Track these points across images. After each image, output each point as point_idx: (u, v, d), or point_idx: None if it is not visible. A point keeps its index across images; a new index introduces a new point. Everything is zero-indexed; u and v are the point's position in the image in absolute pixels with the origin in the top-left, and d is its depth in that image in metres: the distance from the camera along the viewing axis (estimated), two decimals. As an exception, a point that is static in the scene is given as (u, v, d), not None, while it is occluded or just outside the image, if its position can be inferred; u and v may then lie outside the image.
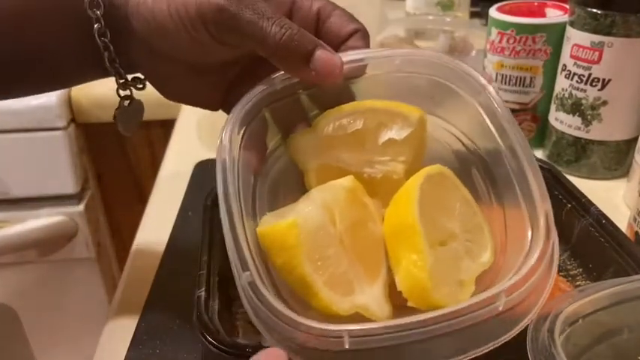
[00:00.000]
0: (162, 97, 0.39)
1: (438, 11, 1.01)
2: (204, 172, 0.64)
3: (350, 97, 0.37)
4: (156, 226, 0.57)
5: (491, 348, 0.27)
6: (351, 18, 0.37)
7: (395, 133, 0.35)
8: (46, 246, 0.97)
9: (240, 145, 0.34)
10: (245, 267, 0.28)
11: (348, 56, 0.35)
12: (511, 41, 0.64)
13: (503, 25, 0.65)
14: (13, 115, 0.88)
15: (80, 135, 0.96)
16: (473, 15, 1.06)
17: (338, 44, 0.36)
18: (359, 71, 0.36)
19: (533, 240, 0.30)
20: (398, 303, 0.31)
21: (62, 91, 0.88)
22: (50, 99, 0.87)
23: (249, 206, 0.33)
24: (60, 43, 0.36)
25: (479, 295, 0.27)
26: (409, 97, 0.37)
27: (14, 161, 0.92)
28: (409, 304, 0.30)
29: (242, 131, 0.34)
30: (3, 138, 0.90)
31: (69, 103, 0.92)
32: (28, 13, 0.35)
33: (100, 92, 0.91)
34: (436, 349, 0.26)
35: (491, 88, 0.35)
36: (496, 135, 0.34)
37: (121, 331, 0.45)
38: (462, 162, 0.37)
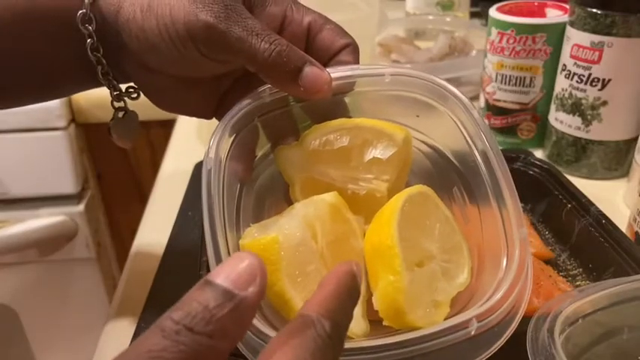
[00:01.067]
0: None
1: (437, 11, 1.01)
2: (204, 172, 0.64)
3: (343, 111, 0.37)
4: (156, 226, 0.57)
5: None
6: (342, 32, 0.37)
7: (380, 152, 0.35)
8: (46, 246, 0.97)
9: (228, 153, 0.34)
10: None
11: (337, 72, 0.35)
12: (511, 41, 0.64)
13: (503, 25, 0.65)
14: (13, 115, 0.88)
15: (80, 135, 0.96)
16: (473, 15, 1.06)
17: (328, 58, 0.37)
18: (348, 87, 0.36)
19: (508, 264, 0.31)
20: (375, 319, 0.32)
21: (62, 91, 0.88)
22: (50, 99, 0.87)
23: (234, 216, 0.34)
24: (54, 57, 0.36)
25: (452, 319, 0.29)
26: (395, 113, 0.37)
27: (14, 161, 0.92)
28: (384, 323, 0.31)
29: (231, 140, 0.34)
30: (3, 138, 0.90)
31: (69, 103, 0.92)
32: (23, 27, 0.35)
33: (100, 93, 0.90)
34: None
35: (474, 112, 0.35)
36: (475, 151, 0.35)
37: (121, 331, 0.45)
38: (443, 179, 0.38)
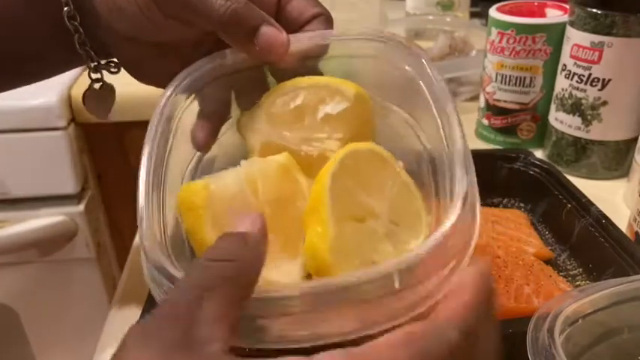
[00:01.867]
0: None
1: (438, 11, 1.01)
2: (204, 172, 0.63)
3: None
4: (156, 226, 0.57)
5: (391, 325, 0.25)
6: (315, 2, 0.37)
7: (330, 108, 0.34)
8: (46, 246, 0.97)
9: (182, 112, 0.34)
10: (147, 237, 0.28)
11: (300, 35, 0.35)
12: (511, 41, 0.64)
13: (503, 25, 0.65)
14: (13, 115, 0.88)
15: (80, 135, 0.96)
16: (473, 15, 1.06)
17: (298, 28, 0.36)
18: (318, 51, 0.36)
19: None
20: None
21: (62, 91, 0.88)
22: (50, 99, 0.87)
23: (181, 176, 0.34)
24: (32, 29, 0.37)
25: (375, 267, 0.25)
26: (384, 90, 0.36)
27: (14, 161, 0.92)
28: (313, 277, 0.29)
29: (190, 99, 0.34)
30: (3, 138, 0.90)
31: (69, 103, 0.92)
32: None
33: (100, 92, 0.91)
34: (333, 320, 0.25)
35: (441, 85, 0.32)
36: (441, 129, 0.32)
37: (121, 331, 0.44)
38: (418, 161, 0.36)
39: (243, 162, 0.33)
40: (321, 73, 0.37)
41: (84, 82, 0.42)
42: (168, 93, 0.34)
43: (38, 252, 0.98)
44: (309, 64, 0.36)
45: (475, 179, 0.28)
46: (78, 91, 0.93)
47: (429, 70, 0.33)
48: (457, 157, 0.29)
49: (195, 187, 0.30)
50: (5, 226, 0.95)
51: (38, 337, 1.00)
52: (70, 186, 0.94)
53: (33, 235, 0.95)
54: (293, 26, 0.36)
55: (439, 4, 1.00)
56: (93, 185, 1.02)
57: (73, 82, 0.90)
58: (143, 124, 0.39)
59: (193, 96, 0.35)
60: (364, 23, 0.67)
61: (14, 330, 0.95)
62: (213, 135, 0.36)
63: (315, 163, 0.34)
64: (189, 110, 0.35)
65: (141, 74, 0.39)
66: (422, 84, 0.33)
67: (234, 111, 0.38)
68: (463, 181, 0.28)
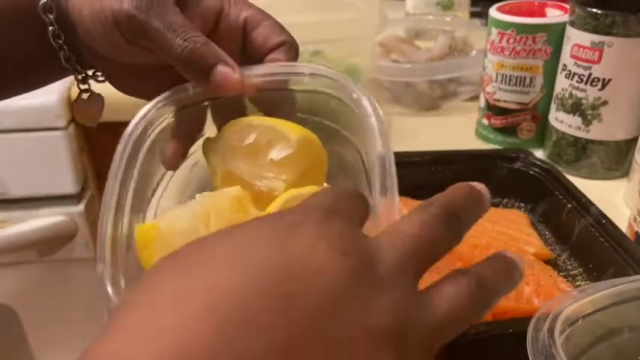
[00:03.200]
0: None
1: (437, 11, 1.01)
2: (204, 172, 0.64)
3: (288, 107, 0.38)
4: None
5: None
6: (280, 30, 0.37)
7: (275, 153, 0.36)
8: (46, 246, 0.97)
9: (146, 137, 0.36)
10: (101, 259, 0.31)
11: (253, 70, 0.36)
12: (511, 41, 0.64)
13: (503, 25, 0.65)
14: (13, 115, 0.88)
15: (80, 135, 0.96)
16: (473, 15, 1.06)
17: (263, 55, 0.37)
18: (277, 86, 0.37)
19: None
20: None
21: (62, 91, 0.88)
22: (50, 99, 0.87)
23: (146, 199, 0.36)
24: (19, 47, 0.38)
25: None
26: (325, 114, 0.38)
27: (14, 161, 0.92)
28: None
29: (160, 121, 0.36)
30: (3, 138, 0.90)
31: (69, 103, 0.92)
32: None
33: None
34: None
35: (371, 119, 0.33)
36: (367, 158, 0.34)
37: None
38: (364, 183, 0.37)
39: (197, 196, 0.34)
40: (292, 100, 0.38)
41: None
42: (136, 120, 0.36)
43: (38, 252, 0.98)
44: (282, 93, 0.37)
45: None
46: (77, 92, 0.92)
47: (369, 110, 0.34)
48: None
49: (146, 227, 0.33)
50: (5, 226, 0.95)
51: (38, 337, 1.00)
52: (69, 186, 0.94)
53: (33, 235, 0.95)
54: (258, 53, 0.37)
55: (439, 4, 1.00)
56: (93, 185, 1.02)
57: (72, 82, 0.90)
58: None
59: (165, 117, 0.37)
60: (364, 23, 0.67)
61: (14, 330, 0.95)
62: (182, 155, 0.38)
63: (266, 198, 0.36)
64: (160, 131, 0.37)
65: (122, 88, 0.40)
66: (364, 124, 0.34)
67: (210, 127, 0.39)
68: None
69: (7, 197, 0.94)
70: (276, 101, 0.37)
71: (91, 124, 0.44)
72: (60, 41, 0.37)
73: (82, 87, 0.42)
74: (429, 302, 0.23)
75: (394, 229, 0.24)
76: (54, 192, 0.95)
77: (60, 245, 0.99)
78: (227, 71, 0.34)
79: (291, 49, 0.37)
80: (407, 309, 0.21)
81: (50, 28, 0.37)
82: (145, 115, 0.36)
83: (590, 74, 0.59)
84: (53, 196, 0.96)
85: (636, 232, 0.51)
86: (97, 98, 0.43)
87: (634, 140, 0.61)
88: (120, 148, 0.35)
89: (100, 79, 0.41)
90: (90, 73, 0.41)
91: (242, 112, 0.38)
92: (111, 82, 0.40)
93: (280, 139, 0.36)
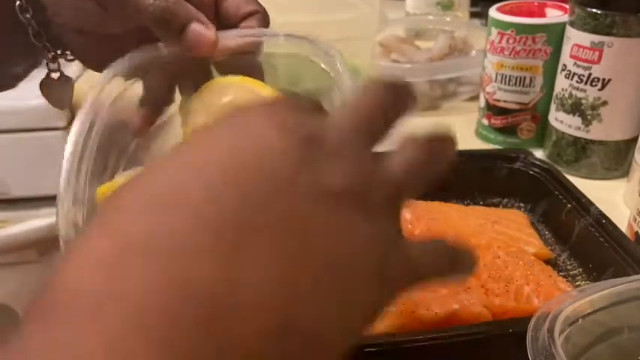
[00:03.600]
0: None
1: (437, 11, 1.01)
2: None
3: (256, 72, 0.38)
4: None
5: None
6: (252, 0, 0.38)
7: None
8: (46, 246, 0.97)
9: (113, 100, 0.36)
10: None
11: (225, 33, 0.36)
12: (511, 41, 0.65)
13: (503, 25, 0.65)
14: (13, 115, 0.88)
15: (80, 135, 0.96)
16: (473, 15, 1.05)
17: (234, 25, 0.37)
18: (251, 47, 0.37)
19: None
20: None
21: (62, 91, 0.88)
22: (50, 99, 0.87)
23: (111, 163, 0.37)
24: None
25: None
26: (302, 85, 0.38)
27: (14, 161, 0.92)
28: None
29: (127, 84, 0.37)
30: (3, 138, 0.90)
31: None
32: None
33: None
34: None
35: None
36: None
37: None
38: None
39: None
40: (260, 68, 0.38)
41: (84, 83, 0.43)
42: (103, 80, 0.36)
43: (38, 252, 0.98)
44: (247, 58, 0.37)
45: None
46: (77, 92, 0.93)
47: (339, 67, 0.35)
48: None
49: (104, 187, 0.34)
50: (5, 226, 0.95)
51: (38, 337, 1.00)
52: (70, 186, 0.94)
53: (33, 235, 0.95)
54: (230, 23, 0.37)
55: (439, 4, 1.00)
56: (93, 185, 1.02)
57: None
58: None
59: (131, 82, 0.37)
60: (364, 23, 0.67)
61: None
62: (149, 122, 0.38)
63: None
64: (125, 97, 0.37)
65: (89, 63, 0.40)
66: (335, 79, 0.35)
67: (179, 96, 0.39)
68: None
69: (7, 197, 0.94)
70: (244, 68, 0.37)
71: (61, 108, 0.44)
72: (28, 16, 0.37)
73: (52, 66, 0.42)
74: (383, 163, 0.23)
75: (341, 108, 0.24)
76: (54, 192, 0.95)
77: (60, 245, 0.98)
78: (201, 29, 0.34)
79: (263, 17, 0.37)
80: (362, 171, 0.21)
81: (17, 2, 0.36)
82: (114, 72, 0.36)
83: (589, 74, 0.59)
84: (53, 196, 0.95)
85: (636, 232, 0.51)
86: (67, 80, 0.43)
87: (634, 140, 0.61)
88: (85, 108, 0.36)
89: (70, 57, 0.41)
90: (59, 52, 0.40)
91: (209, 76, 0.39)
92: (82, 60, 0.40)
93: (252, 98, 0.36)
